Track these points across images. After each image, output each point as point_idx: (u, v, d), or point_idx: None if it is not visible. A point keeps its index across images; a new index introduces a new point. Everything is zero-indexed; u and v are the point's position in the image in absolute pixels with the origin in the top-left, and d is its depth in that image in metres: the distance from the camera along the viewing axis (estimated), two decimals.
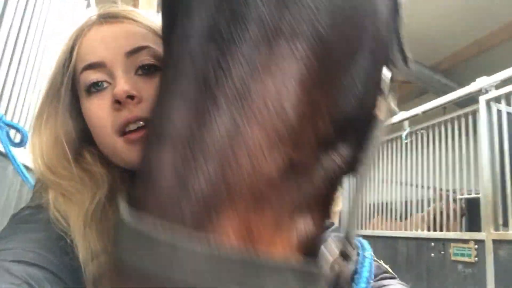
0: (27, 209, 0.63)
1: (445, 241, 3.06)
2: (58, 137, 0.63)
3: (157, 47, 0.61)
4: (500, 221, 2.71)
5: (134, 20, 0.65)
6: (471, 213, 3.16)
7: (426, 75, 5.78)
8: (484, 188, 2.82)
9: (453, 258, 2.95)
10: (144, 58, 0.61)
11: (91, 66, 0.61)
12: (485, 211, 2.78)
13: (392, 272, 0.81)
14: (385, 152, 4.11)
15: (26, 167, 1.18)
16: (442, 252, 3.06)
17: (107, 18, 0.65)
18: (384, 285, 0.69)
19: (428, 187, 3.54)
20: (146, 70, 0.61)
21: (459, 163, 3.17)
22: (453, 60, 5.70)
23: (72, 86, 0.65)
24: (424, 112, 3.59)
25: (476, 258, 2.77)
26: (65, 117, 0.65)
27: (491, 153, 2.82)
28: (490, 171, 2.80)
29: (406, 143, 3.75)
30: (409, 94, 6.56)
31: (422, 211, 3.58)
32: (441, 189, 3.41)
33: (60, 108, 0.65)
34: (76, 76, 0.63)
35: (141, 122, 0.58)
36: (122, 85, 0.57)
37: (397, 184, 3.93)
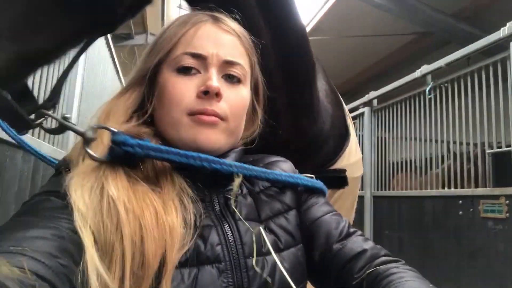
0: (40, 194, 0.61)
1: (474, 198, 2.95)
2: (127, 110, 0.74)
3: (245, 66, 0.78)
4: None
5: (240, 38, 0.79)
6: (501, 168, 3.02)
7: (449, 23, 5.44)
8: None
9: (482, 215, 2.85)
10: (233, 70, 0.75)
11: (195, 55, 0.73)
12: None
13: (390, 255, 0.74)
14: (408, 109, 3.95)
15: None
16: (471, 210, 2.96)
17: (221, 24, 0.78)
18: (394, 273, 0.66)
19: (454, 142, 3.39)
20: (229, 79, 0.75)
21: (487, 116, 2.99)
22: (477, 6, 5.32)
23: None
24: (447, 64, 3.37)
25: (508, 214, 2.66)
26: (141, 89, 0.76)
27: None
28: None
29: (430, 98, 3.57)
30: (430, 46, 6.23)
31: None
32: (448, 143, 3.26)
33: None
34: (171, 54, 0.74)
35: (213, 117, 0.70)
36: (215, 82, 0.71)
37: (422, 142, 3.78)
